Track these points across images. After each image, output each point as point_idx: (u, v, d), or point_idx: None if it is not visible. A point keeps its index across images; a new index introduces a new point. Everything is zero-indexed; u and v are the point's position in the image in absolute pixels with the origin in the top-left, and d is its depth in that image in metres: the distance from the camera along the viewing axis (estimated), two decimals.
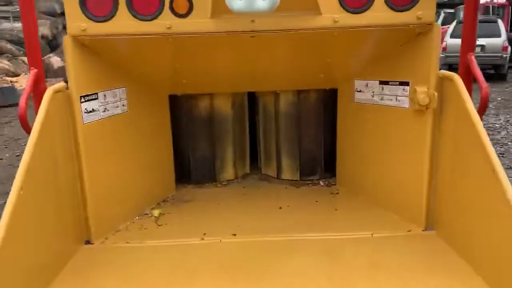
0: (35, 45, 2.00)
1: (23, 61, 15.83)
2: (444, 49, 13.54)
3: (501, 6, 18.74)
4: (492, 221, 1.65)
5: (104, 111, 2.12)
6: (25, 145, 6.04)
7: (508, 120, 7.76)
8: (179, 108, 2.72)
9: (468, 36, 2.10)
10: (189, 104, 2.72)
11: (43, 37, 17.00)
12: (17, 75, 14.93)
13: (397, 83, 2.18)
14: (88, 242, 2.11)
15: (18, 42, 16.58)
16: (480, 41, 12.73)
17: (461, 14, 13.83)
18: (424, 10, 1.92)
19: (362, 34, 2.03)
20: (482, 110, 1.89)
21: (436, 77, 2.00)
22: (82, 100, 2.00)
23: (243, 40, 2.01)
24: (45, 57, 16.18)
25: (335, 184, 2.77)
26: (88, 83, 2.03)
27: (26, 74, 15.22)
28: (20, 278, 1.53)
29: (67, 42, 1.94)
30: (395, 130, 2.24)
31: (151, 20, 1.91)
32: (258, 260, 1.92)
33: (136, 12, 1.90)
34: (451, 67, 13.58)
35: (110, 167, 2.18)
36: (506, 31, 15.72)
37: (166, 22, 1.91)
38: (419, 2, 1.92)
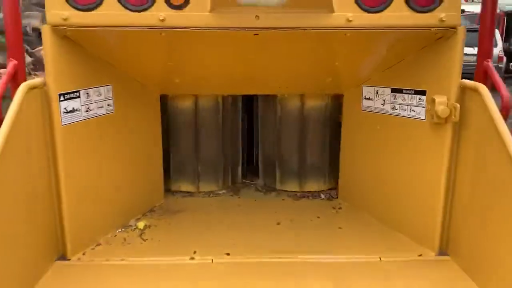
0: (17, 35, 1.80)
1: None
2: None
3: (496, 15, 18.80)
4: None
5: (87, 111, 1.90)
6: None
7: None
8: (171, 110, 2.50)
9: (484, 43, 1.96)
10: (182, 106, 2.49)
11: (34, 29, 16.65)
12: (4, 67, 14.58)
13: (412, 91, 1.99)
14: (62, 257, 1.88)
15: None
16: (476, 50, 12.68)
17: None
18: (448, 12, 1.74)
19: (378, 36, 1.84)
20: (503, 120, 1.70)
21: (458, 87, 1.80)
22: (61, 98, 1.77)
23: (245, 38, 1.80)
24: (36, 49, 15.82)
25: (336, 197, 2.57)
26: (69, 80, 1.81)
27: None
28: None
29: (45, 32, 1.71)
30: (408, 143, 2.04)
31: (143, 11, 1.69)
32: (253, 284, 1.73)
33: (125, 1, 1.68)
34: None
35: (91, 173, 1.96)
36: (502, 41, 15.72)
37: (159, 13, 1.69)
38: (443, 2, 1.72)
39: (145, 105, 2.30)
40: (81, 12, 1.69)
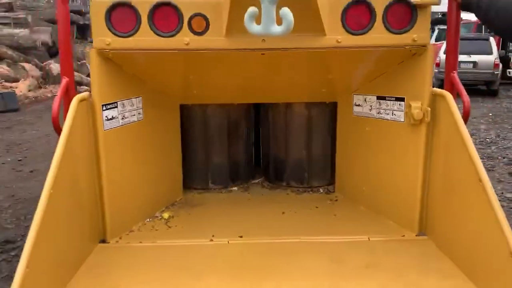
0: (68, 56, 2.15)
1: (23, 67, 15.92)
2: (438, 65, 13.81)
3: None
4: (478, 227, 1.82)
5: (122, 118, 2.28)
6: (26, 149, 6.22)
7: (498, 135, 7.99)
8: (189, 117, 2.89)
9: (451, 57, 2.29)
10: (199, 113, 2.88)
11: (43, 44, 17.18)
12: (16, 80, 15.01)
13: (393, 98, 2.36)
14: (103, 241, 2.26)
15: (17, 48, 16.69)
16: (473, 57, 13.07)
17: None
18: (419, 33, 2.11)
19: (362, 53, 2.21)
20: (464, 121, 2.07)
21: (430, 94, 2.18)
22: (104, 108, 2.16)
23: (253, 57, 2.18)
24: (44, 63, 16.33)
25: (333, 192, 2.94)
26: (109, 93, 2.19)
27: (25, 79, 15.29)
28: (46, 273, 1.67)
29: (92, 55, 2.10)
30: (391, 142, 2.41)
31: (171, 36, 2.07)
32: (263, 260, 2.07)
33: (157, 29, 2.07)
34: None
35: (125, 171, 2.34)
36: (498, 48, 16.10)
37: (184, 38, 2.07)
38: (415, 26, 2.11)
39: (167, 113, 2.69)
40: (121, 38, 2.07)
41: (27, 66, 16.17)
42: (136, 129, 2.39)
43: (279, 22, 1.58)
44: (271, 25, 1.53)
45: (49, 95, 15.34)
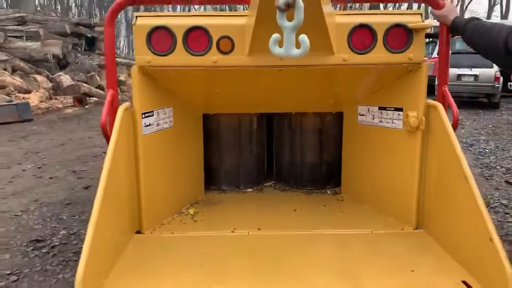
0: (113, 71, 2.48)
1: (35, 79, 16.37)
2: None
3: None
4: (464, 219, 2.11)
5: (157, 125, 2.62)
6: (44, 158, 6.65)
7: (497, 146, 8.30)
8: (211, 125, 3.22)
9: (442, 72, 2.60)
10: (220, 122, 3.22)
11: (54, 56, 17.66)
12: (28, 92, 15.46)
13: (393, 108, 2.69)
14: (139, 232, 2.58)
15: (30, 60, 17.18)
16: (474, 71, 13.42)
17: (457, 44, 14.76)
18: (415, 53, 2.43)
19: (365, 70, 2.54)
20: (454, 129, 2.39)
21: (424, 105, 2.51)
22: (143, 116, 2.49)
23: (271, 72, 2.52)
24: (55, 75, 16.78)
25: (340, 193, 3.25)
26: (147, 103, 2.53)
27: (37, 91, 15.73)
28: (100, 258, 1.96)
29: (134, 71, 2.45)
30: (391, 147, 2.73)
31: (201, 55, 2.42)
32: (279, 248, 2.36)
33: (189, 49, 2.41)
34: None
35: (158, 171, 2.66)
36: None
37: (213, 57, 2.41)
38: (411, 46, 2.45)
39: (192, 122, 3.02)
40: (159, 57, 2.42)
41: (38, 78, 16.62)
42: (167, 135, 2.72)
43: (298, 45, 1.91)
44: (292, 48, 1.86)
45: (60, 106, 15.76)
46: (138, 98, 2.46)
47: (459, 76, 13.14)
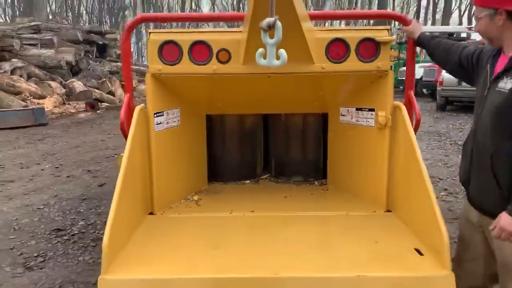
0: (129, 78, 2.98)
1: (49, 85, 17.01)
2: (441, 83, 14.53)
3: None
4: (420, 202, 2.51)
5: (167, 123, 3.10)
6: (60, 158, 7.42)
7: None
8: (213, 124, 3.71)
9: (409, 79, 3.05)
10: (220, 121, 3.71)
11: (67, 63, 18.34)
12: (43, 97, 16.10)
13: (367, 109, 3.14)
14: (151, 213, 3.06)
15: (44, 67, 17.86)
16: None
17: None
18: (382, 62, 2.88)
19: (343, 77, 2.99)
20: (416, 127, 2.82)
21: (391, 106, 2.97)
22: (155, 115, 2.98)
23: (262, 79, 2.98)
24: (67, 81, 17.44)
25: (326, 184, 3.71)
26: (159, 104, 3.01)
27: (51, 96, 16.36)
28: (122, 233, 2.43)
29: (148, 78, 2.93)
30: (366, 142, 3.17)
31: (203, 64, 2.90)
32: (269, 227, 2.79)
33: (194, 59, 2.89)
34: (447, 100, 14.61)
35: (168, 162, 3.14)
36: None
37: (213, 66, 2.89)
38: (379, 56, 2.90)
39: (196, 121, 3.50)
40: (168, 66, 2.91)
41: (53, 84, 17.26)
42: (175, 132, 3.20)
43: (278, 57, 2.37)
44: (273, 60, 2.32)
45: (73, 110, 16.36)
46: (151, 100, 2.95)
47: (459, 82, 13.54)
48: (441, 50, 2.61)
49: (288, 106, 3.56)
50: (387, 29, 2.92)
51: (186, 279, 2.17)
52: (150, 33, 2.93)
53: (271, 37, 2.27)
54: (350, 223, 2.86)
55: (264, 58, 2.35)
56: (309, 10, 2.77)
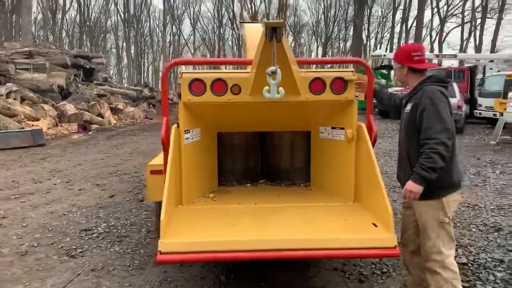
0: (166, 104, 4.06)
1: (42, 107, 17.73)
2: None
3: (462, 70, 22.06)
4: (377, 197, 3.65)
5: (192, 139, 4.17)
6: (68, 175, 8.78)
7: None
8: (222, 139, 4.79)
9: (369, 104, 4.24)
10: (228, 137, 4.80)
11: (58, 86, 19.14)
12: (37, 119, 16.79)
13: (339, 128, 4.28)
14: (181, 205, 4.08)
15: (37, 91, 18.60)
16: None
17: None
18: (349, 94, 4.06)
19: (321, 104, 4.14)
20: (374, 141, 3.98)
21: (356, 125, 4.12)
22: (184, 132, 4.05)
23: (262, 105, 4.11)
24: (59, 104, 18.19)
25: (310, 185, 4.83)
26: (187, 124, 4.07)
27: (44, 118, 17.06)
28: (168, 214, 3.46)
29: (181, 105, 4.00)
30: (339, 152, 4.30)
31: (221, 96, 4.00)
32: (268, 213, 3.89)
33: (214, 92, 3.99)
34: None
35: (192, 168, 4.19)
36: (465, 91, 18.95)
37: (228, 97, 3.99)
38: (346, 90, 4.07)
39: (211, 137, 4.57)
40: (195, 96, 4.00)
41: (45, 106, 17.98)
42: (196, 145, 4.26)
43: (279, 92, 3.49)
44: (274, 94, 3.43)
45: (66, 132, 17.10)
46: (182, 121, 4.02)
47: None
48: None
49: (280, 126, 4.68)
50: (352, 71, 4.10)
51: (218, 241, 3.21)
52: (182, 73, 4.02)
53: (274, 79, 3.41)
54: (327, 210, 3.96)
55: (269, 93, 3.48)
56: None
